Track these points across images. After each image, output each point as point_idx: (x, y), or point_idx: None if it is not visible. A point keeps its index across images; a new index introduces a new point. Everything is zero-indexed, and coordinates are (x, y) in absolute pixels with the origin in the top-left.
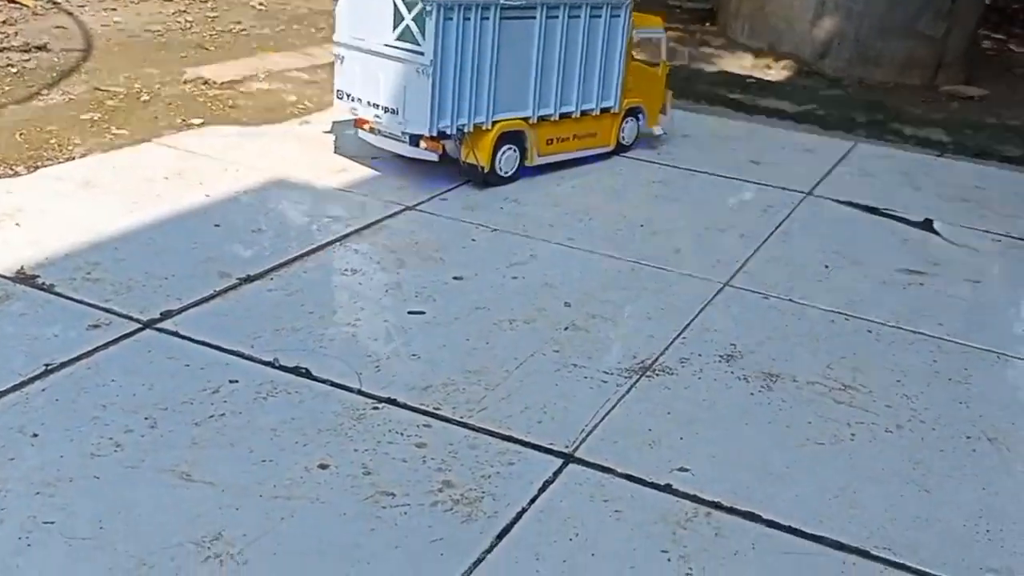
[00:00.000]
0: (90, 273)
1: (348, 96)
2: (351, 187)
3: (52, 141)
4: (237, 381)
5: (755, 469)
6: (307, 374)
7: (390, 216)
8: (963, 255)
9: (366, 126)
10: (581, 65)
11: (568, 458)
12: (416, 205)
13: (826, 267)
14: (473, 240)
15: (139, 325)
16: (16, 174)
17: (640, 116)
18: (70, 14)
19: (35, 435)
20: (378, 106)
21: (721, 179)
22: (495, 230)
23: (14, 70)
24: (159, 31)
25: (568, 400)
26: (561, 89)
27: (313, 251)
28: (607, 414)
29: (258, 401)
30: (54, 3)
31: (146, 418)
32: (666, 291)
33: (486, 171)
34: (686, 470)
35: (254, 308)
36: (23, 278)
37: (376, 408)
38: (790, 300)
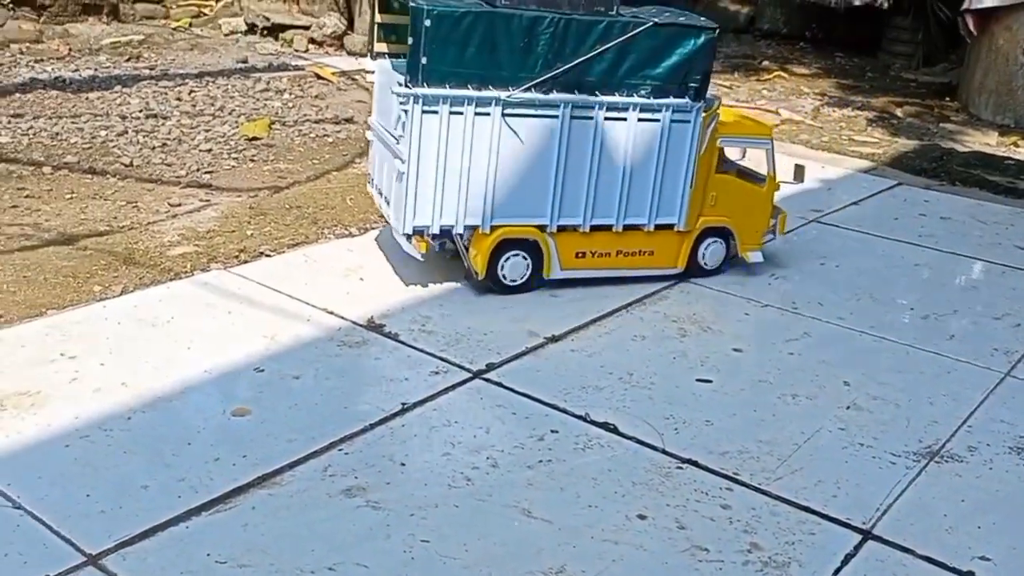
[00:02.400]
0: (424, 326)
1: (372, 181)
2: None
3: (375, 206)
4: (557, 431)
5: None
6: (615, 430)
7: (667, 287)
8: None
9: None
10: (625, 174)
11: (866, 535)
12: (689, 279)
13: None
14: (746, 314)
15: (470, 374)
16: (351, 235)
17: (731, 238)
18: (366, 89)
19: (403, 464)
20: (381, 194)
21: (988, 264)
22: (766, 305)
23: (330, 140)
24: None
25: (860, 477)
26: (594, 198)
27: (604, 316)
28: (900, 495)
29: (577, 451)
30: (352, 79)
31: (488, 458)
32: (944, 377)
33: (480, 278)
34: (987, 559)
35: (561, 366)
36: (373, 327)
37: (680, 468)
38: None
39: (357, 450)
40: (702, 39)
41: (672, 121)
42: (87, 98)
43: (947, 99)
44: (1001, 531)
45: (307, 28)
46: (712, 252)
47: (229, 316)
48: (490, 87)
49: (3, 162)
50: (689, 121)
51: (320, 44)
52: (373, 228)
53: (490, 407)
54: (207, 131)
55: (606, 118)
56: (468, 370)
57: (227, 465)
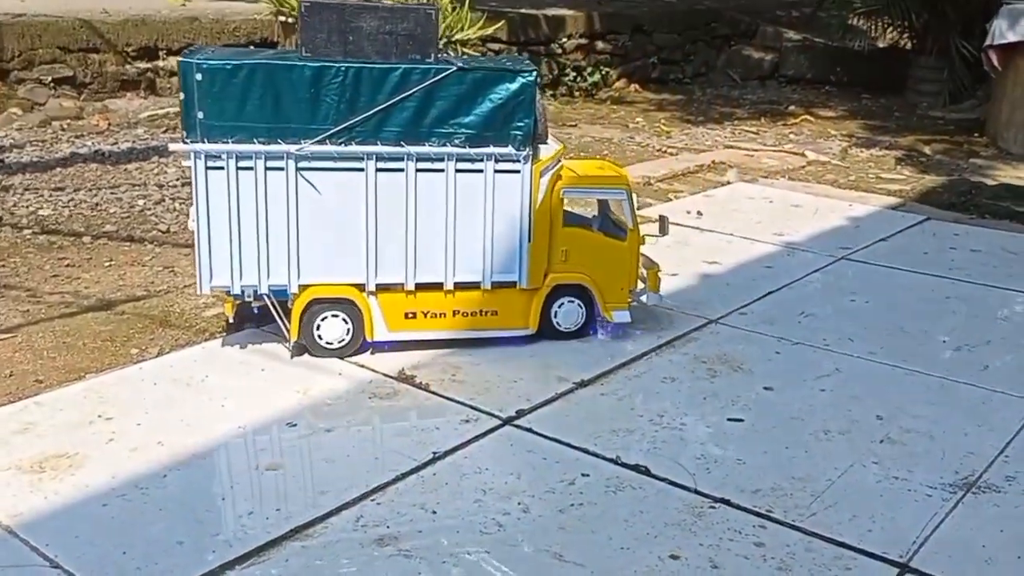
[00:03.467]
0: (454, 375)
1: None
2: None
3: None
4: (588, 475)
5: None
6: (647, 472)
7: (696, 329)
8: None
9: None
10: (449, 228)
11: (904, 568)
12: (718, 319)
13: None
14: (777, 353)
15: (500, 421)
16: None
17: (590, 296)
18: None
19: (434, 512)
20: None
21: (1020, 294)
22: (796, 343)
23: None
24: None
25: (895, 511)
26: (415, 255)
27: (633, 360)
28: (937, 527)
29: (608, 494)
30: None
31: (519, 503)
32: (979, 407)
33: (292, 340)
34: None
35: (591, 410)
36: (404, 378)
37: (713, 507)
38: None
39: (389, 500)
40: (516, 84)
41: (497, 171)
42: (126, 169)
43: (975, 135)
44: None
45: None
46: (566, 312)
47: (262, 373)
48: (279, 141)
49: (45, 234)
50: (518, 171)
51: None
52: None
53: (521, 453)
54: None
55: (419, 169)
56: (498, 417)
57: (260, 519)
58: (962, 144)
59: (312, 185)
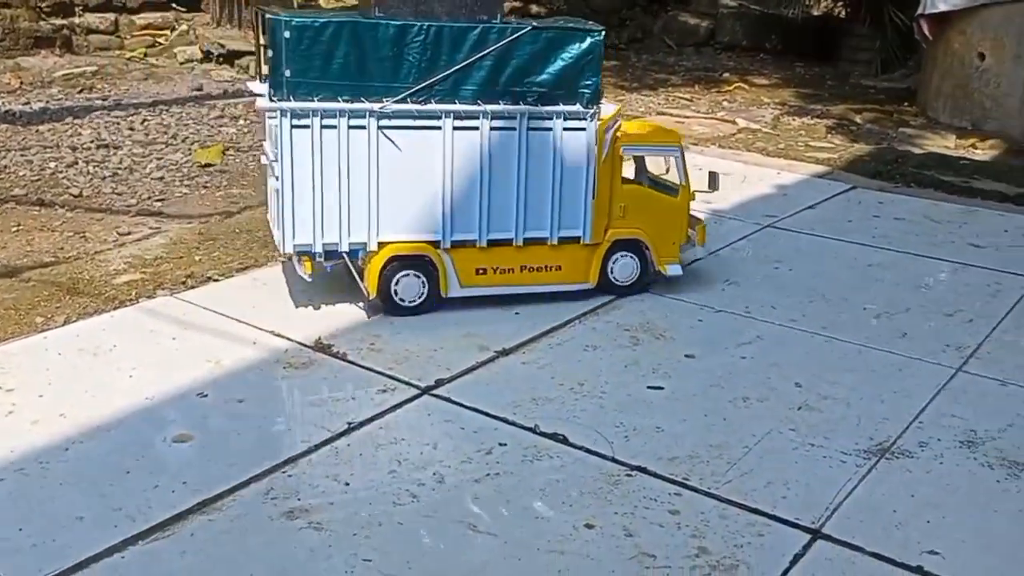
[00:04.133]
0: (373, 344)
1: (269, 209)
2: None
3: None
4: (506, 444)
5: (1007, 557)
6: (565, 440)
7: (620, 296)
8: None
9: None
10: (520, 185)
11: (815, 534)
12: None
13: None
14: (699, 320)
15: (418, 391)
16: None
17: (645, 252)
18: None
19: (347, 484)
20: (272, 219)
21: (940, 262)
22: (719, 311)
23: None
24: None
25: (810, 477)
26: (488, 212)
27: (557, 328)
28: (850, 493)
29: (526, 463)
30: None
31: (434, 473)
32: (896, 375)
33: (371, 297)
34: (936, 553)
35: (512, 379)
36: (321, 347)
37: (630, 475)
38: None
39: (301, 472)
40: (587, 43)
41: (565, 129)
42: (37, 130)
43: (906, 104)
44: (950, 525)
45: None
46: (622, 267)
47: (173, 342)
48: (363, 99)
49: None
50: (584, 129)
51: None
52: None
53: (438, 423)
54: (159, 159)
55: (493, 128)
56: (417, 387)
57: (166, 492)
58: (892, 113)
59: (393, 143)
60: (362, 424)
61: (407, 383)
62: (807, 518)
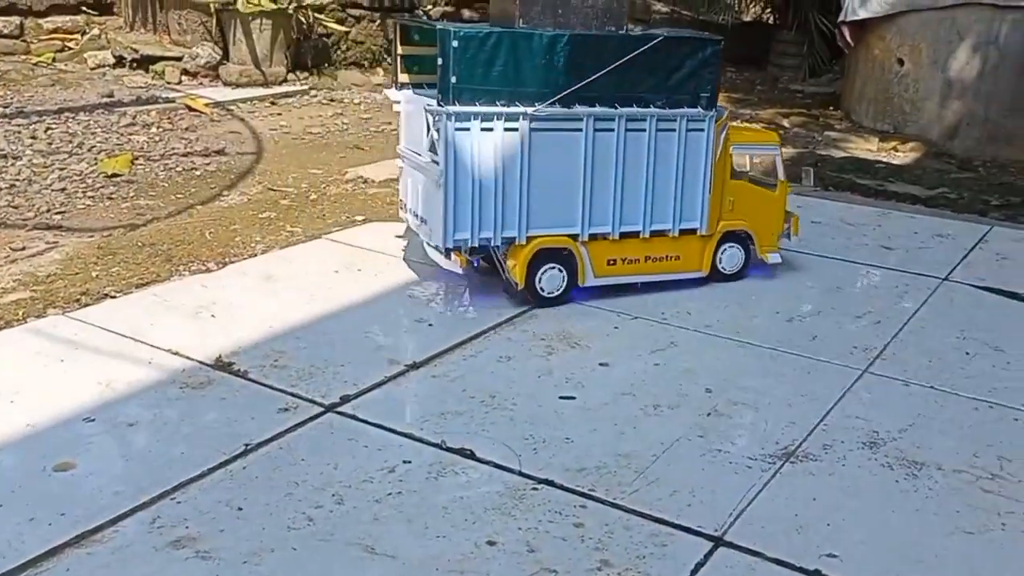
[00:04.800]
0: (277, 361)
1: (404, 205)
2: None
3: (236, 239)
4: (410, 461)
5: (905, 557)
6: (471, 455)
7: (538, 305)
8: None
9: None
10: (648, 182)
11: (718, 541)
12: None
13: (967, 354)
14: (615, 328)
15: (322, 408)
16: (208, 270)
17: (749, 242)
18: (242, 120)
19: (240, 508)
20: (418, 216)
21: (853, 265)
22: (635, 317)
23: (198, 173)
24: (320, 133)
25: (715, 484)
26: (621, 207)
27: (471, 339)
28: (753, 499)
29: (430, 480)
30: (227, 110)
31: (333, 495)
32: (804, 378)
33: (519, 288)
34: (834, 556)
35: (421, 393)
36: (221, 365)
37: (535, 489)
38: (932, 387)
39: (191, 498)
40: (709, 51)
41: (687, 130)
42: None
43: (832, 108)
44: (851, 527)
45: (179, 59)
46: (729, 256)
47: (61, 364)
48: (517, 103)
49: None
50: (703, 129)
51: (194, 75)
52: (232, 261)
53: (341, 442)
54: (62, 170)
55: (627, 129)
56: (320, 404)
57: (42, 525)
58: (819, 117)
59: (541, 144)
60: (260, 445)
61: (310, 400)
62: (710, 526)
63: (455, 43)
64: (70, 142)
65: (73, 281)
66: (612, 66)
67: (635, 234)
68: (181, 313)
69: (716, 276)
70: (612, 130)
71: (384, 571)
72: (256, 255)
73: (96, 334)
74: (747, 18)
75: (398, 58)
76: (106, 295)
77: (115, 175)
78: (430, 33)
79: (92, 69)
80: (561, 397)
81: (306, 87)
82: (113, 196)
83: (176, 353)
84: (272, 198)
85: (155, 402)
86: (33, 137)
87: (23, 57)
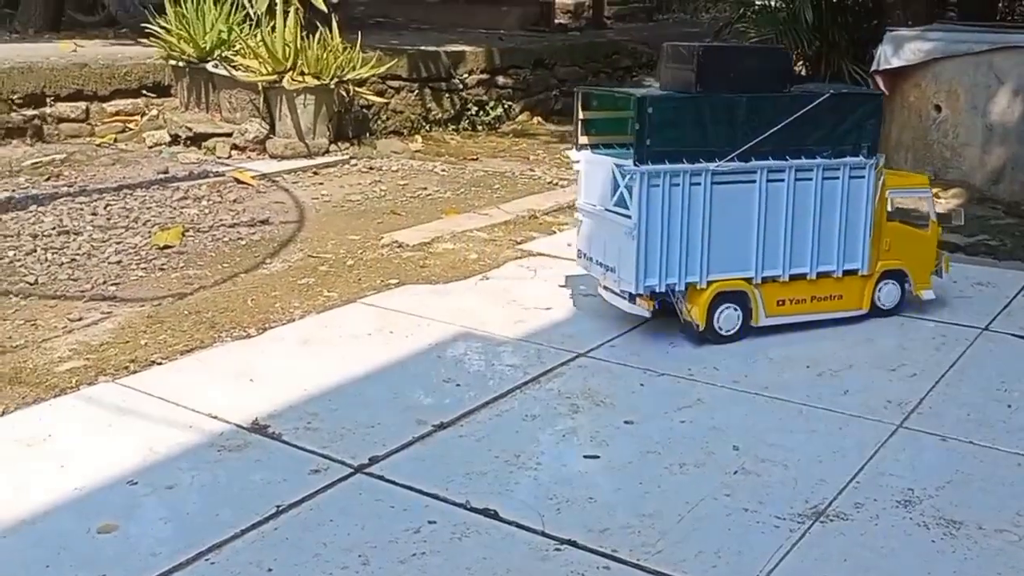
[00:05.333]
0: (310, 423)
1: (583, 255)
2: (528, 337)
3: (276, 305)
4: (435, 522)
5: None
6: (495, 515)
7: (563, 364)
8: None
9: (601, 285)
10: (815, 226)
11: None
12: (587, 352)
13: (1009, 407)
14: (641, 385)
15: (351, 470)
16: (248, 336)
17: (906, 280)
18: (286, 190)
19: (269, 570)
20: (603, 265)
21: (886, 316)
22: (661, 374)
23: (243, 242)
24: (359, 200)
25: (741, 544)
26: (790, 250)
27: (497, 398)
28: (781, 560)
29: (454, 541)
30: (272, 181)
31: (359, 556)
32: (836, 434)
33: (700, 329)
34: None
35: (447, 453)
36: (257, 428)
37: (558, 550)
38: (970, 443)
39: (224, 559)
40: (871, 104)
41: (850, 177)
42: (0, 220)
43: None
44: None
45: (229, 135)
46: (887, 293)
47: (109, 429)
48: (700, 160)
49: None
50: (864, 177)
51: (243, 150)
52: (272, 327)
53: (369, 503)
54: (118, 243)
55: (796, 179)
56: (350, 465)
57: None
58: None
59: (720, 196)
60: (291, 507)
61: (340, 462)
62: None
63: (651, 110)
64: (127, 217)
65: (124, 349)
66: (785, 122)
67: (802, 276)
68: (222, 378)
69: (874, 312)
70: (782, 180)
71: None
72: (294, 320)
73: (142, 400)
74: None
75: (578, 122)
76: (153, 362)
77: (167, 247)
78: (608, 99)
79: (150, 147)
80: (585, 456)
81: (347, 156)
82: (164, 267)
83: (215, 417)
84: (311, 264)
85: (194, 465)
86: (94, 213)
87: (88, 139)
